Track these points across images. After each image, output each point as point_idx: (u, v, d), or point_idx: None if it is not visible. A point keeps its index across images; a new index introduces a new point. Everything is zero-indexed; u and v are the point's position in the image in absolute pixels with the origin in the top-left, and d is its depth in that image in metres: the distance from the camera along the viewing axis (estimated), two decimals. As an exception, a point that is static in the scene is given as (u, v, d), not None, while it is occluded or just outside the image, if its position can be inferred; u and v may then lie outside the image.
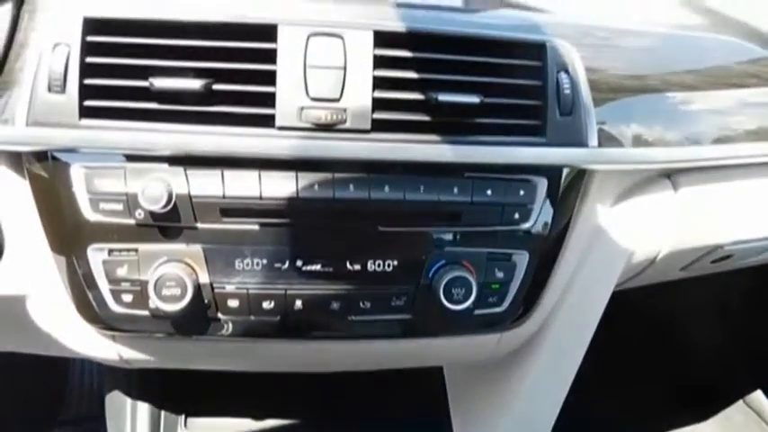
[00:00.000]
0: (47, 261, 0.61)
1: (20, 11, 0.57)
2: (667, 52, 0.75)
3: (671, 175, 0.76)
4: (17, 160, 0.59)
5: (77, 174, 0.58)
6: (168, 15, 0.56)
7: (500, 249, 0.66)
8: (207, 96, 0.56)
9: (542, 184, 0.65)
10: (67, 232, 0.60)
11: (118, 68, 0.56)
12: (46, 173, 0.58)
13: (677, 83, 0.74)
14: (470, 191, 0.63)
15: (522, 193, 0.64)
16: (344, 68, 0.57)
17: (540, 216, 0.66)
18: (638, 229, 0.75)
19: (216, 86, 0.56)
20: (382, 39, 0.59)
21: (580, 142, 0.63)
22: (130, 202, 0.58)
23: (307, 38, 0.57)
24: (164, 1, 0.57)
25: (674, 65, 0.75)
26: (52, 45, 0.55)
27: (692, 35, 0.79)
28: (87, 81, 0.56)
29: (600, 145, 0.64)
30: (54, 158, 0.57)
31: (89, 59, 0.56)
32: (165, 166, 0.58)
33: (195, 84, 0.55)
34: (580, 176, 0.68)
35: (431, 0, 0.64)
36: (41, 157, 0.57)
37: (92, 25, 0.56)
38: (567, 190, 0.67)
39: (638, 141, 0.68)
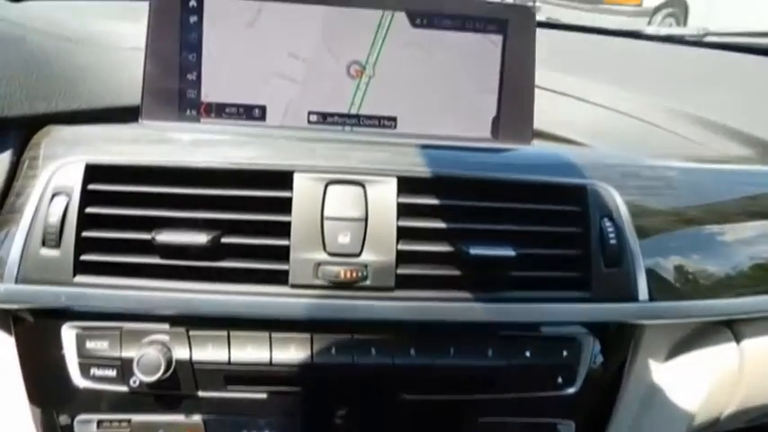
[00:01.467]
0: None
1: (20, 158, 0.54)
2: (717, 188, 0.69)
3: (732, 324, 0.68)
4: (3, 316, 0.54)
5: (68, 335, 0.52)
6: (176, 162, 0.52)
7: (542, 419, 0.57)
8: (214, 251, 0.51)
9: (588, 343, 0.57)
10: (53, 400, 0.53)
11: (119, 220, 0.51)
12: (34, 332, 0.53)
13: (732, 220, 0.67)
14: (507, 353, 0.55)
15: (565, 353, 0.57)
16: (366, 219, 0.52)
17: (587, 379, 0.58)
18: (697, 387, 0.66)
19: (224, 240, 0.51)
20: (406, 185, 0.54)
21: (629, 296, 0.56)
22: (125, 369, 0.52)
23: (325, 186, 0.53)
24: (169, 147, 0.53)
25: (725, 201, 0.68)
26: (51, 194, 0.51)
27: (742, 168, 0.73)
28: (85, 234, 0.51)
29: (651, 296, 0.57)
30: (44, 317, 0.52)
31: (89, 210, 0.51)
32: (166, 326, 0.52)
33: (201, 238, 0.50)
34: (630, 332, 0.60)
35: (456, 132, 0.59)
36: (30, 315, 0.52)
37: (94, 172, 0.52)
38: (616, 348, 0.59)
39: (694, 287, 0.60)
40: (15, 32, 0.56)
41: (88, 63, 0.59)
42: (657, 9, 6.59)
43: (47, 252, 0.50)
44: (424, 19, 0.57)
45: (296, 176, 0.52)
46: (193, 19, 0.55)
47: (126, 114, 0.57)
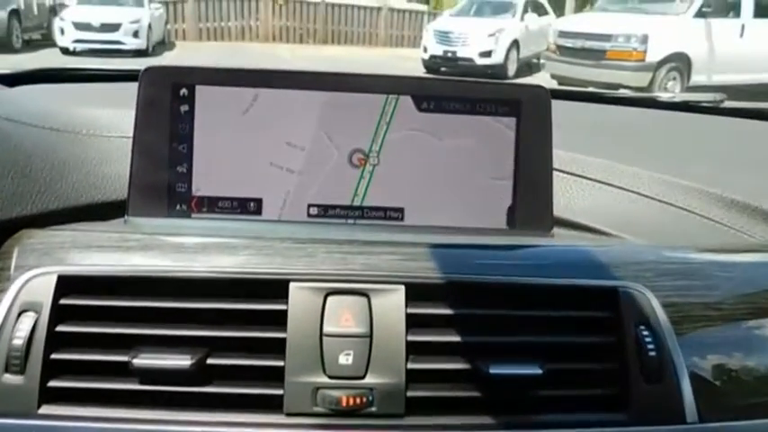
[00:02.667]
0: None
1: None
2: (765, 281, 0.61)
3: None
4: None
5: None
6: (156, 270, 0.47)
7: None
8: (199, 374, 0.45)
9: None
10: None
11: (92, 339, 0.46)
12: None
13: None
14: None
15: None
16: (370, 335, 0.46)
17: None
18: None
19: (210, 360, 0.45)
20: (416, 294, 0.48)
21: (675, 417, 0.48)
22: None
23: (324, 297, 0.47)
24: (151, 253, 0.48)
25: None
26: (18, 311, 0.46)
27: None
28: (54, 356, 0.45)
29: (700, 416, 0.49)
30: None
31: (59, 328, 0.46)
32: None
33: (185, 361, 0.44)
34: None
35: (469, 222, 0.54)
36: None
37: (67, 284, 0.47)
38: None
39: (751, 402, 0.53)
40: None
41: (71, 155, 0.55)
42: (661, 63, 6.68)
43: (10, 379, 0.44)
44: (431, 102, 0.53)
45: (291, 286, 0.47)
46: (184, 108, 0.52)
47: (111, 210, 0.53)
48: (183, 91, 0.52)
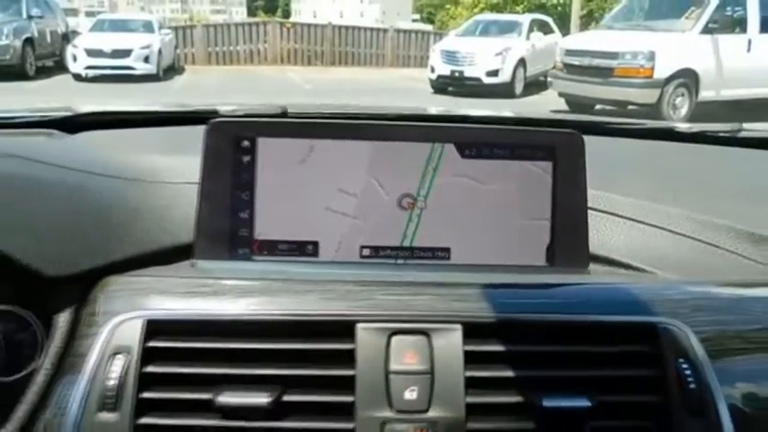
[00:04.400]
0: None
1: (77, 314, 0.53)
2: None
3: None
4: None
5: None
6: (235, 315, 0.51)
7: None
8: (276, 410, 0.49)
9: None
10: None
11: (178, 378, 0.50)
12: None
13: None
14: None
15: None
16: (432, 372, 0.50)
17: None
18: None
19: (286, 398, 0.49)
20: (472, 333, 0.52)
21: None
22: None
23: (388, 337, 0.51)
24: (227, 298, 0.52)
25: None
26: (110, 353, 0.50)
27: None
28: (144, 395, 0.49)
29: None
30: None
31: (148, 369, 0.50)
32: None
33: (263, 399, 0.48)
34: None
35: (511, 260, 0.57)
36: None
37: (154, 328, 0.51)
38: None
39: None
40: (69, 179, 0.57)
41: (140, 202, 0.60)
42: (669, 80, 6.72)
43: (105, 416, 0.48)
44: (473, 149, 0.57)
45: (358, 327, 0.51)
46: (246, 159, 0.56)
47: (177, 254, 0.57)
48: (245, 143, 0.56)
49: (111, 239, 0.56)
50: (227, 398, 0.48)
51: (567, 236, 0.58)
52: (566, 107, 7.91)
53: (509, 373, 0.51)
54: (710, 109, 6.76)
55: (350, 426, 0.49)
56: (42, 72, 10.67)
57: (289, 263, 0.56)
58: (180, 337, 0.50)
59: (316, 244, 0.56)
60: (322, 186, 0.56)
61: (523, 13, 14.26)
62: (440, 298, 0.53)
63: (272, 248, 0.56)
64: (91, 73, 10.29)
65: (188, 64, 13.69)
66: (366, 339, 0.50)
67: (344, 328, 0.51)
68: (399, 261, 0.57)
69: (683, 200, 0.72)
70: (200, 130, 0.56)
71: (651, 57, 6.77)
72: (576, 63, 7.52)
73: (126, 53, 10.47)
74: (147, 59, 10.66)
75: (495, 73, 9.69)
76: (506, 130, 0.58)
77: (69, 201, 0.56)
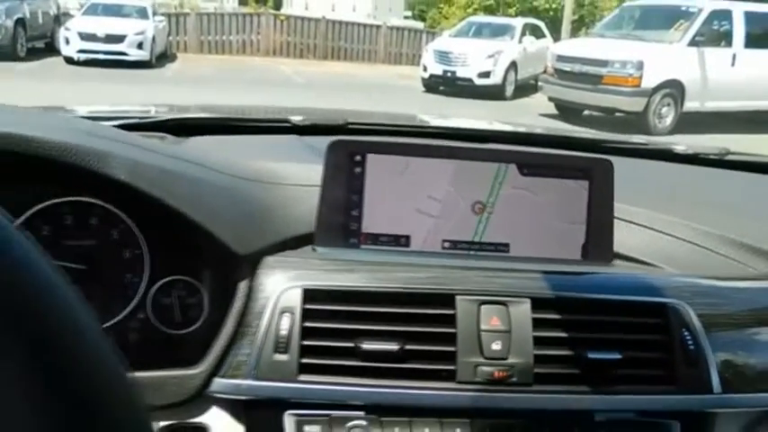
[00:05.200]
0: None
1: (251, 284, 0.69)
2: (764, 299, 0.82)
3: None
4: (238, 406, 0.68)
5: (289, 421, 0.66)
6: (369, 287, 0.68)
7: None
8: (401, 356, 0.66)
9: (675, 428, 0.71)
10: None
11: (329, 331, 0.67)
12: (261, 419, 0.67)
13: None
14: None
15: None
16: (509, 331, 0.68)
17: None
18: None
19: (407, 347, 0.66)
20: (538, 305, 0.70)
21: (706, 389, 0.71)
22: None
23: (478, 305, 0.69)
24: (359, 275, 0.70)
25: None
26: (279, 312, 0.66)
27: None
28: (305, 342, 0.66)
29: (723, 389, 0.71)
30: (270, 407, 0.66)
31: (307, 324, 0.66)
32: (362, 414, 0.66)
33: (394, 346, 0.65)
34: (707, 418, 0.73)
35: (555, 254, 0.75)
36: (260, 405, 0.66)
37: (309, 295, 0.67)
38: (696, 430, 0.73)
39: (757, 380, 0.74)
40: (224, 179, 0.73)
41: (268, 199, 0.76)
42: (656, 90, 6.95)
43: (279, 357, 0.65)
44: (529, 169, 0.75)
45: (457, 299, 0.68)
46: (358, 170, 0.73)
47: (301, 241, 0.74)
48: (358, 157, 0.73)
49: (266, 228, 0.72)
50: (367, 345, 0.65)
51: (597, 237, 0.75)
52: (554, 111, 8.14)
53: (563, 334, 0.68)
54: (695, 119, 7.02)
55: (453, 367, 0.66)
56: (33, 53, 10.53)
57: (387, 251, 0.73)
58: (328, 301, 0.67)
59: (408, 237, 0.74)
60: (414, 193, 0.73)
61: (516, 16, 14.51)
62: (512, 279, 0.71)
63: (374, 239, 0.73)
64: (83, 57, 10.17)
65: (180, 51, 13.61)
66: (463, 307, 0.68)
67: (447, 299, 0.68)
68: (471, 252, 0.74)
69: (681, 210, 0.90)
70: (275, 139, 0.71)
71: (640, 66, 6.98)
72: (567, 69, 7.69)
73: (120, 38, 10.34)
74: (140, 46, 10.55)
75: (486, 74, 9.84)
76: (555, 155, 0.75)
77: (235, 196, 0.72)
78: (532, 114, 7.90)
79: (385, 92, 9.51)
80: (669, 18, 7.56)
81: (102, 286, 0.66)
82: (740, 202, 1.06)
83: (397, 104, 7.57)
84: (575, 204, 0.75)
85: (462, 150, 0.74)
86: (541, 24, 11.77)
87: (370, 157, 0.73)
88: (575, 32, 12.79)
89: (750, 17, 7.29)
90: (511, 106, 9.48)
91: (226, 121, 1.07)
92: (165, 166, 0.67)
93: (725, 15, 7.29)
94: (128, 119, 0.98)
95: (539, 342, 0.68)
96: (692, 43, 7.08)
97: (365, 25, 16.08)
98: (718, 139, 5.44)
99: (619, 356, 0.68)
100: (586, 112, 7.88)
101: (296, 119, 1.08)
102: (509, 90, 10.08)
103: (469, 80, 9.82)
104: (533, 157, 0.75)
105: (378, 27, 15.90)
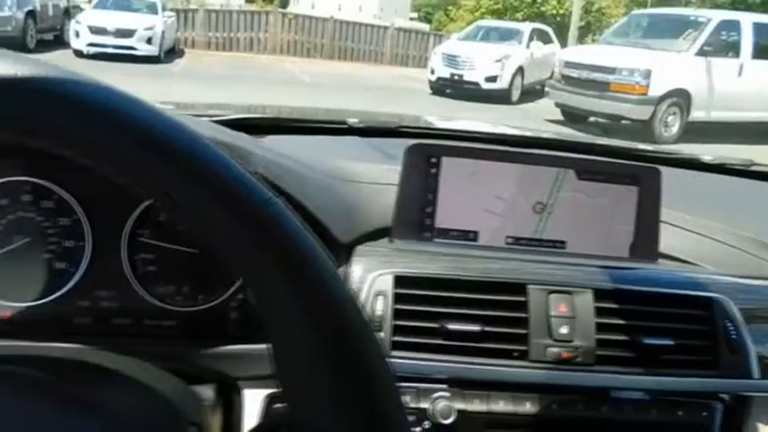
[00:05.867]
0: None
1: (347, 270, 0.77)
2: None
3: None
4: None
5: None
6: (451, 275, 0.76)
7: None
8: (481, 336, 0.74)
9: (718, 409, 0.80)
10: None
11: (418, 313, 0.74)
12: None
13: None
14: (666, 413, 0.78)
15: (704, 414, 0.80)
16: (574, 317, 0.76)
17: None
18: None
19: (486, 329, 0.74)
20: (599, 295, 0.78)
21: (746, 375, 0.79)
22: (419, 416, 0.73)
23: (548, 294, 0.77)
24: (440, 264, 0.77)
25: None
26: (374, 295, 0.74)
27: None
28: (396, 323, 0.74)
29: (762, 375, 0.79)
30: None
31: (398, 306, 0.74)
32: (446, 386, 0.74)
33: (475, 327, 0.73)
34: (746, 401, 0.82)
35: (606, 252, 0.83)
36: None
37: (400, 280, 0.75)
38: (737, 412, 0.81)
39: None
40: (317, 176, 0.81)
41: (350, 195, 0.84)
42: (662, 98, 7.02)
43: (378, 334, 0.73)
44: (585, 174, 0.83)
45: (529, 288, 0.76)
46: (433, 170, 0.80)
47: (379, 234, 0.82)
48: (433, 159, 0.80)
49: (356, 220, 0.80)
50: (451, 326, 0.73)
51: (645, 238, 0.83)
52: (560, 116, 8.23)
53: (622, 321, 0.77)
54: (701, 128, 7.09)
55: (525, 348, 0.75)
56: (42, 45, 10.57)
57: (456, 245, 0.81)
58: (416, 287, 0.75)
59: (476, 233, 0.82)
60: (482, 193, 0.81)
61: (523, 20, 14.61)
62: (575, 272, 0.79)
63: (446, 234, 0.81)
64: (92, 50, 10.22)
65: (187, 47, 13.68)
66: (534, 295, 0.76)
67: (519, 287, 0.76)
68: (531, 248, 0.82)
69: (713, 216, 0.99)
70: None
71: (647, 75, 7.04)
72: (575, 75, 7.75)
73: (129, 33, 10.40)
74: (149, 41, 10.62)
75: (493, 79, 9.92)
76: (608, 162, 0.83)
77: (330, 191, 0.80)
78: (538, 119, 7.98)
79: (392, 93, 9.59)
80: (678, 27, 7.63)
81: (209, 269, 0.73)
82: (765, 208, 1.14)
83: (405, 106, 7.66)
84: (625, 207, 0.83)
85: (527, 156, 0.82)
86: (549, 30, 11.86)
87: (445, 160, 0.81)
88: (581, 38, 12.87)
89: (758, 28, 7.35)
90: (517, 111, 9.56)
91: (293, 122, 1.14)
92: (281, 162, 0.75)
93: (733, 26, 7.36)
94: (202, 116, 1.06)
95: (600, 328, 0.76)
96: (700, 53, 7.13)
97: (372, 26, 16.17)
98: (722, 149, 5.53)
99: (671, 343, 0.76)
100: (592, 119, 7.95)
101: (352, 120, 1.16)
102: (515, 95, 10.16)
103: (476, 84, 9.91)
104: (589, 164, 0.83)
105: (385, 28, 15.98)
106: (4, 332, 0.69)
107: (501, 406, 0.74)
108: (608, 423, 0.76)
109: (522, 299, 0.76)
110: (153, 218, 0.72)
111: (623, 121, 7.46)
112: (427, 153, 0.80)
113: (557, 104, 8.28)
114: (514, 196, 0.82)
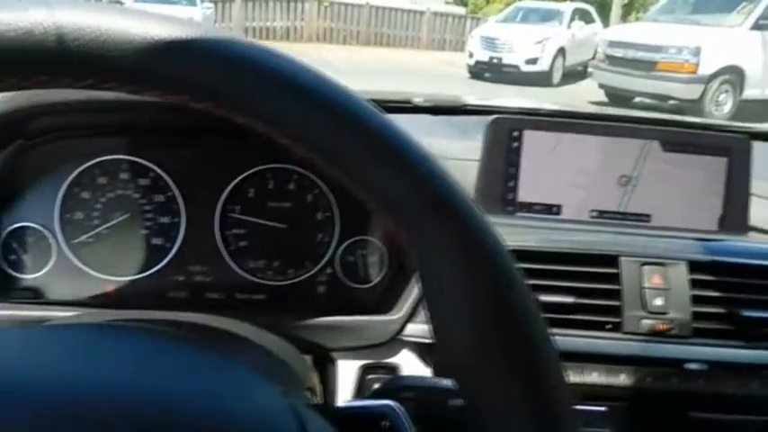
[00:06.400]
0: None
1: None
2: None
3: None
4: (424, 349, 0.75)
5: None
6: (544, 247, 0.76)
7: None
8: (575, 308, 0.74)
9: None
10: None
11: None
12: None
13: None
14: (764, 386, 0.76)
15: None
16: (669, 289, 0.74)
17: None
18: None
19: (580, 301, 0.74)
20: (694, 267, 0.76)
21: None
22: None
23: (640, 265, 0.75)
24: (532, 237, 0.77)
25: None
26: None
27: None
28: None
29: None
30: None
31: None
32: None
33: (569, 299, 0.73)
34: None
35: (693, 225, 0.81)
36: None
37: None
38: None
39: None
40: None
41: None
42: (713, 76, 6.76)
43: None
44: (672, 146, 0.80)
45: (621, 259, 0.75)
46: (515, 145, 0.80)
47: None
48: (515, 133, 0.80)
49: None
50: (543, 298, 0.72)
51: (734, 210, 0.81)
52: (603, 98, 8.02)
53: (718, 294, 0.75)
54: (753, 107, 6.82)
55: (618, 320, 0.74)
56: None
57: (539, 219, 0.80)
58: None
59: (559, 206, 0.81)
60: (565, 166, 0.80)
61: (564, 0, 14.26)
62: (667, 244, 0.77)
63: (528, 208, 0.81)
64: (135, 44, 10.49)
65: (226, 38, 13.83)
66: (626, 267, 0.75)
67: (611, 259, 0.75)
68: (616, 221, 0.81)
69: None
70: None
71: (697, 52, 6.77)
72: (619, 55, 7.52)
73: (170, 25, 10.63)
74: (189, 33, 10.82)
75: (533, 61, 9.73)
76: (697, 133, 0.81)
77: None
78: (581, 102, 7.80)
79: (430, 78, 9.49)
80: (729, 1, 7.32)
81: (298, 244, 0.75)
82: None
83: (444, 91, 7.56)
84: (713, 179, 0.81)
85: (611, 128, 0.81)
86: (591, 9, 11.55)
87: (527, 134, 0.80)
88: (625, 17, 12.49)
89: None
90: (558, 93, 9.36)
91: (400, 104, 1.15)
92: None
93: (792, -3, 7.00)
94: None
95: (696, 300, 0.74)
96: (755, 27, 6.80)
97: (408, 11, 16.03)
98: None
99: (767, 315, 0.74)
100: (637, 99, 7.73)
101: (417, 100, 1.15)
102: (556, 77, 9.95)
103: (516, 67, 9.73)
104: (676, 134, 0.81)
105: (421, 13, 15.83)
106: (106, 306, 0.72)
107: (595, 378, 0.74)
108: (705, 396, 0.75)
109: (615, 271, 0.75)
110: (244, 194, 0.74)
111: (671, 101, 7.22)
112: (509, 127, 0.80)
113: (600, 85, 8.06)
114: (598, 169, 0.80)
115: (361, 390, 0.72)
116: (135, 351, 0.29)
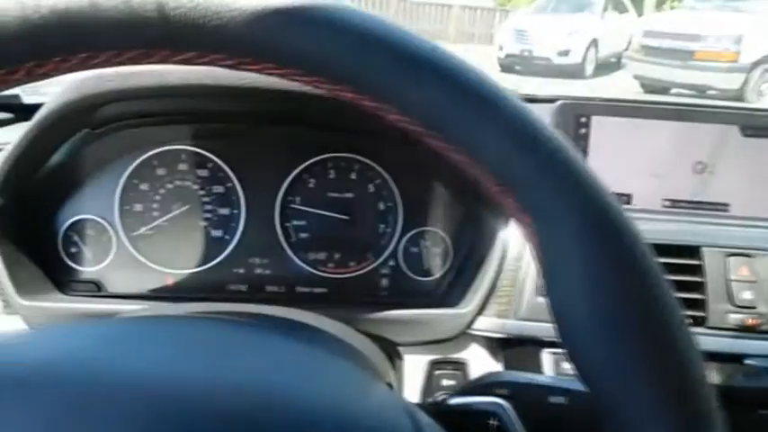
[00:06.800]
0: None
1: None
2: None
3: None
4: (494, 344, 0.74)
5: (547, 359, 0.71)
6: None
7: None
8: None
9: None
10: None
11: None
12: (521, 355, 0.73)
13: None
14: None
15: None
16: (757, 282, 0.70)
17: None
18: None
19: None
20: None
21: None
22: None
23: (725, 256, 0.71)
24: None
25: None
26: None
27: None
28: None
29: None
30: (528, 344, 0.71)
31: None
32: None
33: None
34: None
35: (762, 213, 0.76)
36: (518, 342, 0.72)
37: None
38: None
39: None
40: None
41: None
42: (756, 65, 6.55)
43: (539, 299, 0.70)
44: (752, 131, 0.76)
45: (704, 250, 0.71)
46: (583, 131, 0.76)
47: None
48: (583, 119, 0.76)
49: None
50: None
51: None
52: (638, 90, 7.82)
53: None
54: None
55: (703, 314, 0.70)
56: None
57: None
58: None
59: (630, 195, 0.77)
60: (635, 153, 0.76)
61: (595, -10, 13.95)
62: (751, 234, 0.73)
63: None
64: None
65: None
66: (710, 258, 0.71)
67: (692, 250, 0.71)
68: (691, 210, 0.77)
69: None
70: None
71: (738, 40, 6.56)
72: (655, 45, 7.33)
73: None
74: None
75: (565, 53, 9.55)
76: (777, 116, 0.76)
77: None
78: (616, 94, 7.62)
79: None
80: (772, -14, 7.06)
81: (359, 235, 0.73)
82: None
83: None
84: (796, 165, 0.76)
85: (684, 112, 0.76)
86: (624, -1, 11.29)
87: (595, 119, 0.76)
88: (659, 6, 12.18)
89: None
90: (592, 85, 9.18)
91: None
92: None
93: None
94: None
95: None
96: (799, 13, 6.58)
97: (436, 5, 15.91)
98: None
99: None
100: (674, 91, 7.53)
101: None
102: (589, 69, 9.75)
103: (547, 59, 9.57)
104: (757, 118, 0.76)
105: (449, 6, 15.70)
106: (166, 300, 0.71)
107: None
108: None
109: (697, 262, 0.71)
110: (304, 184, 0.72)
111: (710, 92, 7.01)
112: (576, 112, 0.76)
113: (635, 77, 7.87)
114: (671, 156, 0.76)
115: (429, 386, 0.70)
116: (256, 348, 0.28)
